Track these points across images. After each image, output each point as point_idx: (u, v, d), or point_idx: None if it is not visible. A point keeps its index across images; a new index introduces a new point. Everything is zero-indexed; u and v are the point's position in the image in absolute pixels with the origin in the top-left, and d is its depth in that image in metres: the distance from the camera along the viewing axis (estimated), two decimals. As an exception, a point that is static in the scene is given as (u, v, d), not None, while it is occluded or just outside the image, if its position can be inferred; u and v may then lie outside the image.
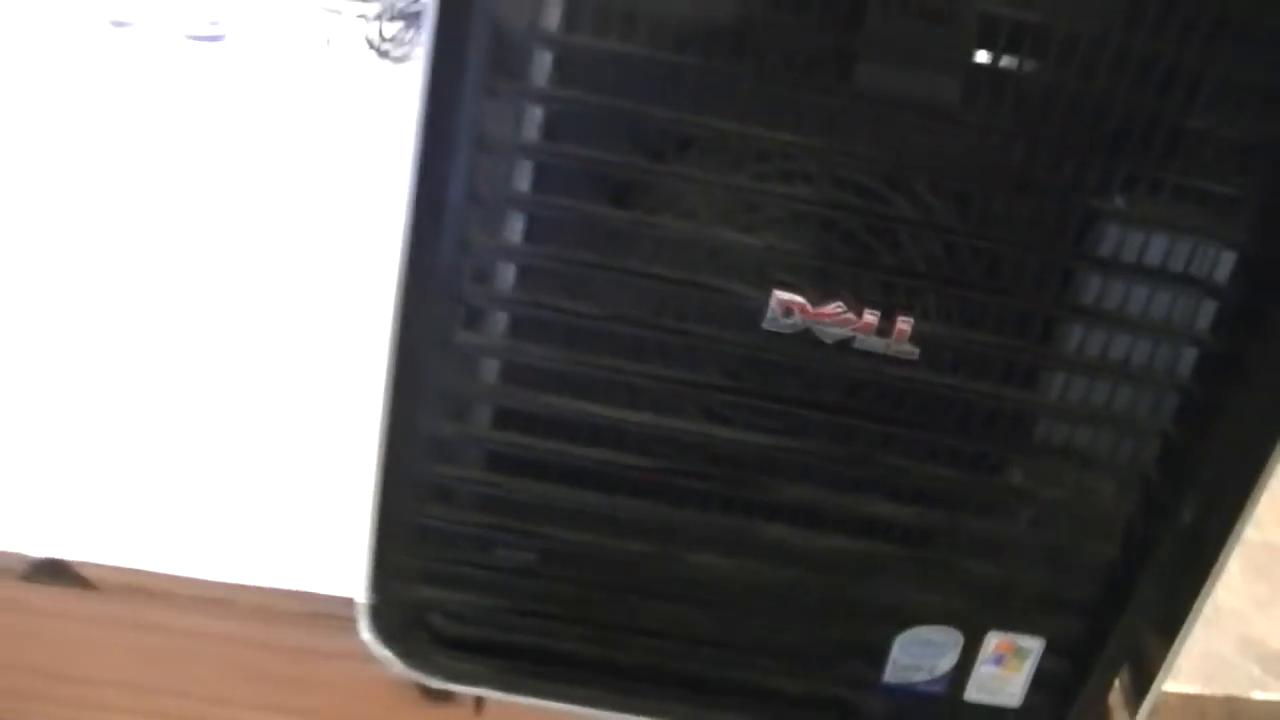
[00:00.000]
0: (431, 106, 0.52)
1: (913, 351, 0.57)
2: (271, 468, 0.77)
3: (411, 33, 1.25)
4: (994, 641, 0.65)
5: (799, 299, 0.56)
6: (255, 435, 0.78)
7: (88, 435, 0.78)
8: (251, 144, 1.07)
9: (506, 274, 0.58)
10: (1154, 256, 0.57)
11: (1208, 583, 0.63)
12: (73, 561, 0.71)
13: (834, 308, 0.56)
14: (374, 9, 1.26)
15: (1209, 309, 0.58)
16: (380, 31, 1.24)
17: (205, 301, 0.89)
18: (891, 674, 0.66)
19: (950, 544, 0.64)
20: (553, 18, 0.53)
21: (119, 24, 1.20)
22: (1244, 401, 0.59)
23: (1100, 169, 0.55)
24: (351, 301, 0.90)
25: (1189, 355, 0.59)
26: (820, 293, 0.56)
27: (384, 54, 1.24)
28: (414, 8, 1.25)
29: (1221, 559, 0.62)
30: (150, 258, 0.92)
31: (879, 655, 0.66)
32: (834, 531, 0.63)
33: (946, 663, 0.66)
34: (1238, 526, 0.61)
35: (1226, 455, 0.60)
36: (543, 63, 0.53)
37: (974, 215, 0.56)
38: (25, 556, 0.71)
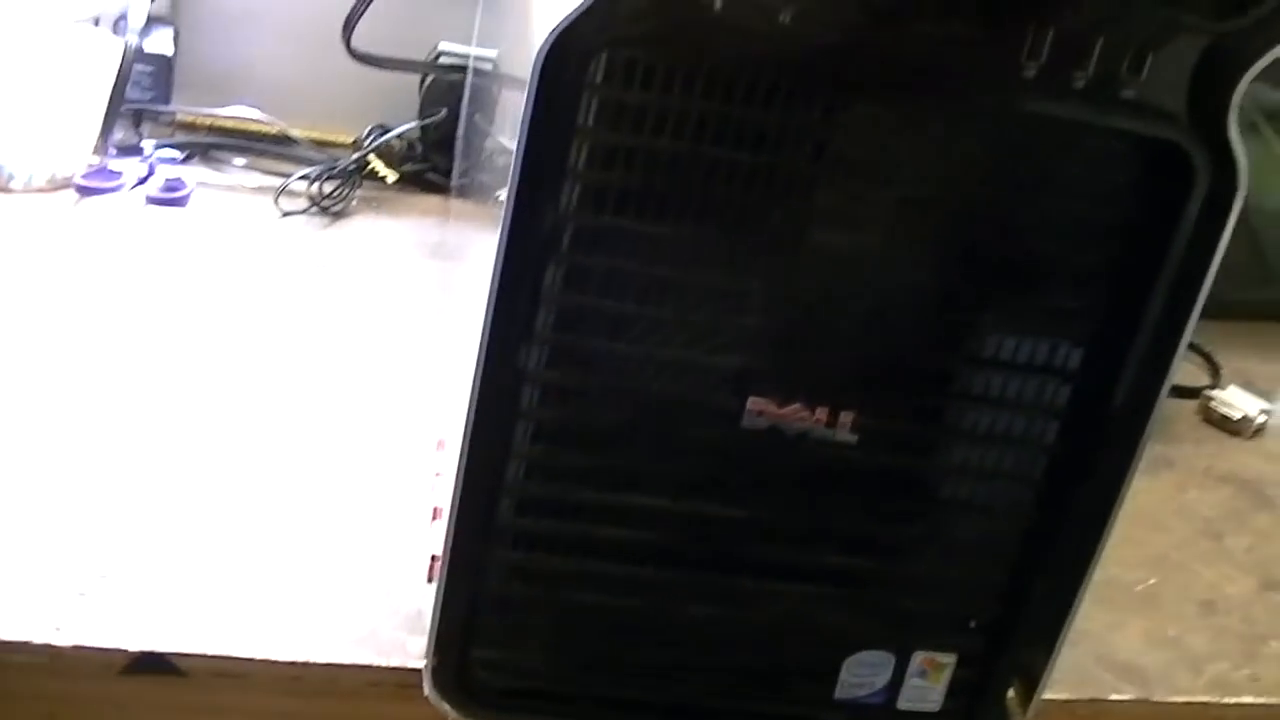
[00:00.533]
0: (502, 283, 0.65)
1: (853, 438, 0.71)
2: (333, 557, 0.85)
3: (347, 190, 1.39)
4: (918, 659, 0.77)
5: (767, 403, 0.69)
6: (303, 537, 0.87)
7: (150, 525, 0.85)
8: (216, 290, 1.19)
9: (533, 394, 0.69)
10: (1024, 355, 0.70)
11: (1074, 608, 0.75)
12: (168, 652, 0.73)
13: (794, 408, 0.70)
14: (315, 171, 1.39)
15: (1066, 391, 0.71)
16: (320, 189, 1.38)
17: (241, 422, 1.00)
18: (841, 691, 0.77)
19: (883, 584, 0.76)
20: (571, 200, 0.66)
21: (85, 190, 1.32)
22: (1097, 461, 0.72)
23: (985, 295, 0.70)
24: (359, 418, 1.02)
25: (1053, 425, 0.72)
26: (781, 398, 0.70)
27: (324, 210, 1.38)
28: (350, 166, 1.39)
29: (1083, 589, 0.74)
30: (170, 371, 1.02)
31: (832, 677, 0.77)
32: (796, 581, 0.74)
33: (883, 679, 0.77)
34: (1094, 561, 0.73)
35: (1086, 502, 0.73)
36: (566, 238, 0.66)
37: (891, 331, 0.70)
38: (125, 651, 0.73)
